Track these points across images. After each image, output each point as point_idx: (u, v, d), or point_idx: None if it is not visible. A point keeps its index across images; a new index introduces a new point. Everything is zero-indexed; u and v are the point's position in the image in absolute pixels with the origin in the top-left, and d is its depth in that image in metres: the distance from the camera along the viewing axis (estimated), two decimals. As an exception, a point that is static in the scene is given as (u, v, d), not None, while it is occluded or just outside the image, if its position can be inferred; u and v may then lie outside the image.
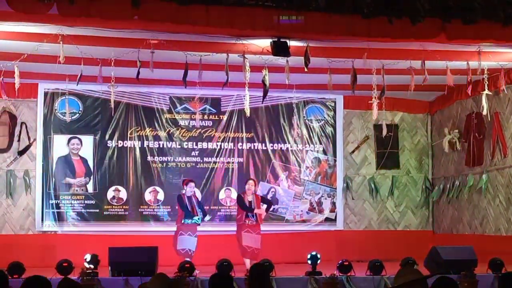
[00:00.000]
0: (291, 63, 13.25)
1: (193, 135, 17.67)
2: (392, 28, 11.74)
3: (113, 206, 17.09)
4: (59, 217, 16.71)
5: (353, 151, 18.68)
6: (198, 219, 14.75)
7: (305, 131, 18.23)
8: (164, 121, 17.50)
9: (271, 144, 18.04)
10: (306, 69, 12.90)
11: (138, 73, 12.97)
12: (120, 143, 17.23)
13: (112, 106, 14.95)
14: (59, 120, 16.86)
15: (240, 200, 15.03)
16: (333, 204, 18.18)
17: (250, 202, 14.80)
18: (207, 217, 14.99)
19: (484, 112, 14.90)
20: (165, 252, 13.74)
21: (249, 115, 15.20)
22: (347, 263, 12.82)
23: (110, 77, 13.91)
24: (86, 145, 17.10)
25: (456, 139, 17.66)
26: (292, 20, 11.62)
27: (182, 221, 14.68)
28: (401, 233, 18.63)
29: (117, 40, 12.72)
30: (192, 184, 15.10)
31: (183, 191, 14.96)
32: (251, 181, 15.19)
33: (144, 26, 11.76)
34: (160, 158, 17.45)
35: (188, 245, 14.55)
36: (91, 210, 16.97)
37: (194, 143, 17.67)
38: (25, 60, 13.23)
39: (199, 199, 15.49)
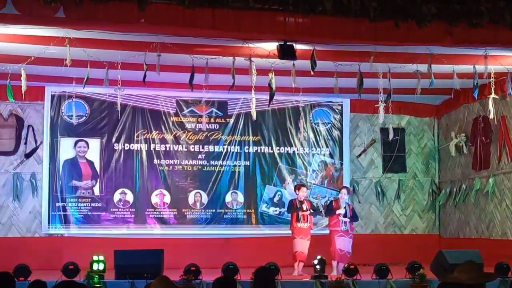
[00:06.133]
0: (298, 67, 13.26)
1: (200, 138, 17.68)
2: (399, 32, 11.74)
3: (120, 209, 17.10)
4: (66, 220, 16.73)
5: (359, 155, 18.68)
6: (305, 224, 14.86)
7: (311, 135, 18.23)
8: (170, 124, 17.52)
9: (278, 148, 18.04)
10: (312, 73, 12.92)
11: (145, 76, 12.99)
12: (127, 146, 17.25)
13: (119, 109, 15.01)
14: (66, 123, 16.89)
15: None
16: (340, 207, 18.18)
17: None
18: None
19: (491, 116, 14.88)
20: (171, 255, 13.74)
21: (255, 119, 15.23)
22: (353, 266, 12.83)
23: (116, 80, 13.93)
24: (93, 148, 17.13)
25: (462, 142, 17.64)
26: None
27: (295, 225, 14.83)
28: (408, 237, 18.60)
29: (124, 43, 12.75)
30: (304, 189, 15.27)
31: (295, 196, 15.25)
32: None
33: (150, 29, 11.80)
34: (167, 161, 17.46)
35: (302, 248, 14.68)
36: (97, 213, 16.98)
37: (201, 146, 17.68)
38: (32, 63, 13.26)
39: (311, 203, 15.51)
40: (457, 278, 5.27)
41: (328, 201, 15.89)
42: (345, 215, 14.79)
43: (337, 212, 14.80)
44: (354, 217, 15.16)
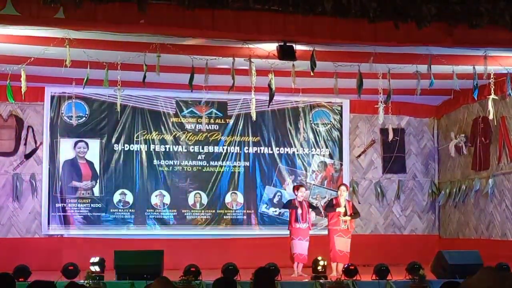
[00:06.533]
0: (297, 67, 13.26)
1: (200, 139, 17.68)
2: (398, 33, 11.73)
3: (119, 210, 17.10)
4: (65, 221, 16.73)
5: (359, 155, 18.68)
6: (304, 224, 14.86)
7: (311, 135, 18.24)
8: (170, 124, 17.52)
9: (277, 148, 18.04)
10: (312, 73, 12.92)
11: (145, 77, 12.98)
12: (127, 147, 17.25)
13: (119, 109, 14.98)
14: (66, 124, 16.89)
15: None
16: (339, 208, 18.18)
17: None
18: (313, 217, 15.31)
19: (491, 117, 14.87)
20: (171, 256, 13.75)
21: (255, 119, 15.19)
22: (353, 267, 12.83)
23: (116, 80, 13.91)
24: (93, 149, 17.13)
25: (462, 143, 17.64)
26: None
27: (293, 225, 14.82)
28: (407, 238, 18.61)
29: (124, 44, 12.72)
30: (303, 189, 15.28)
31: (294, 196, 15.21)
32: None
33: (150, 30, 11.79)
34: (167, 162, 17.46)
35: (300, 249, 14.65)
36: (97, 214, 16.99)
37: (201, 146, 17.69)
38: (31, 64, 13.24)
39: (310, 204, 15.49)
40: (477, 286, 5.19)
41: (328, 200, 15.85)
42: (345, 213, 14.78)
43: (337, 210, 14.78)
44: (355, 214, 15.15)
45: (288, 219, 15.40)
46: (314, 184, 18.16)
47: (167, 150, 17.52)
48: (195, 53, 13.24)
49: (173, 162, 17.54)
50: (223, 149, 17.79)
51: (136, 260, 12.40)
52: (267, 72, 13.53)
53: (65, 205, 16.76)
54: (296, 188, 15.27)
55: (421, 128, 19.19)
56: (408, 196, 18.89)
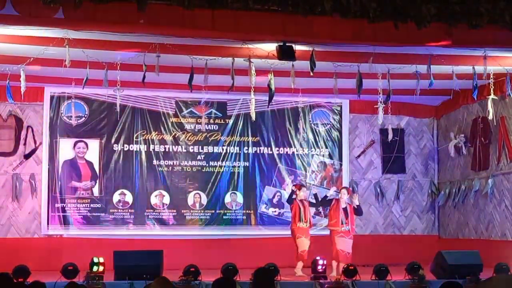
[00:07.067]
0: (297, 67, 13.26)
1: (199, 139, 17.67)
2: (398, 33, 11.73)
3: (119, 210, 17.09)
4: (65, 221, 16.71)
5: (359, 156, 18.68)
6: (306, 224, 14.87)
7: (311, 135, 18.23)
8: (170, 125, 17.51)
9: (277, 148, 18.03)
10: (312, 73, 12.92)
11: (144, 77, 12.99)
12: (126, 147, 17.24)
13: (118, 109, 14.97)
14: (65, 124, 16.88)
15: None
16: (339, 208, 18.16)
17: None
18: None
19: (490, 117, 14.88)
20: (171, 256, 13.73)
21: (255, 119, 15.18)
22: (352, 267, 12.81)
23: (116, 80, 13.91)
24: (92, 149, 17.11)
25: (462, 143, 17.64)
26: None
27: (296, 224, 14.81)
28: (407, 238, 18.61)
29: (123, 44, 12.74)
30: (304, 189, 15.30)
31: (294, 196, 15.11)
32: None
33: (150, 30, 11.80)
34: (166, 162, 17.45)
35: (307, 246, 14.68)
36: (96, 214, 16.96)
37: (200, 147, 17.68)
38: (31, 64, 13.25)
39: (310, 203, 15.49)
40: None
41: (327, 199, 15.81)
42: (345, 215, 14.76)
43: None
44: (358, 211, 15.14)
45: (289, 218, 15.41)
46: (313, 184, 18.14)
47: (167, 150, 17.51)
48: (195, 53, 13.24)
49: (173, 162, 17.53)
50: (223, 149, 17.77)
51: (136, 260, 12.37)
52: (267, 72, 13.54)
53: (64, 205, 16.75)
54: (298, 188, 15.23)
55: (421, 128, 19.19)
56: (408, 196, 18.90)
